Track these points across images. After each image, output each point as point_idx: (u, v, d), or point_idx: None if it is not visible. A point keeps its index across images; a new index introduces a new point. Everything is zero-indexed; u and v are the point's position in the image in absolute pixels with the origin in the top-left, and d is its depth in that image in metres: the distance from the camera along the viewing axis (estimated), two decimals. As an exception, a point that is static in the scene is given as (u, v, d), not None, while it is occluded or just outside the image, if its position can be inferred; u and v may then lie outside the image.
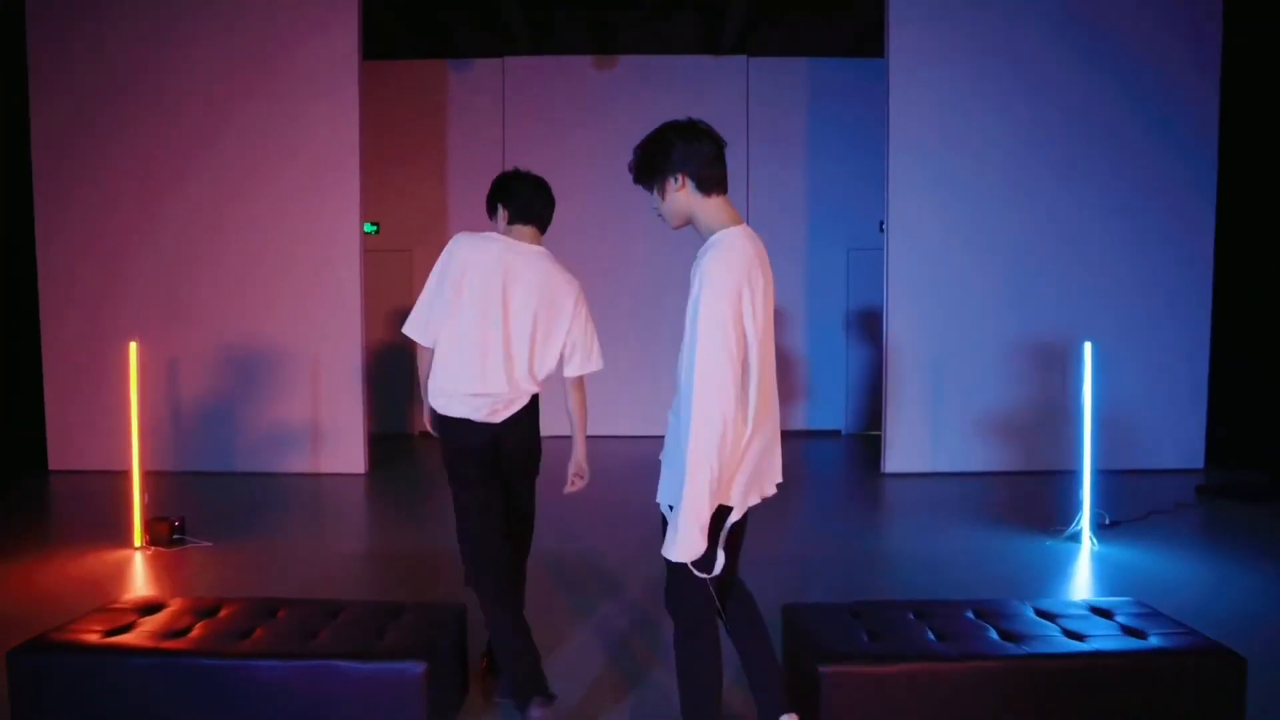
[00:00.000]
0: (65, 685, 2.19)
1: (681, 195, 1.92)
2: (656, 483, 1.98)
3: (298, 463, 6.38)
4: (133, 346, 4.14)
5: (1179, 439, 6.44)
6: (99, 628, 2.37)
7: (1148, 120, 6.29)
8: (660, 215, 2.00)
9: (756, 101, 8.16)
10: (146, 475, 4.46)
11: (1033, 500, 5.51)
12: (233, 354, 6.38)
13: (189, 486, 5.91)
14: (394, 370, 7.90)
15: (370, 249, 7.37)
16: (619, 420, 7.83)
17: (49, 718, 2.18)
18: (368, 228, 7.88)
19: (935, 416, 6.36)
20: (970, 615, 2.46)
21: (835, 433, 8.43)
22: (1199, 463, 6.42)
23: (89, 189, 6.36)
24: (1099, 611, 2.51)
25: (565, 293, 2.48)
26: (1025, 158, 6.31)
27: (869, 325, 8.15)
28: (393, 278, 8.05)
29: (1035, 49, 6.27)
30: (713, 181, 1.92)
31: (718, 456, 1.75)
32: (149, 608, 2.55)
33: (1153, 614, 2.48)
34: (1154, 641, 2.26)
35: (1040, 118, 6.30)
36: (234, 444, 6.39)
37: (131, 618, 2.47)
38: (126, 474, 4.45)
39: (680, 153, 1.90)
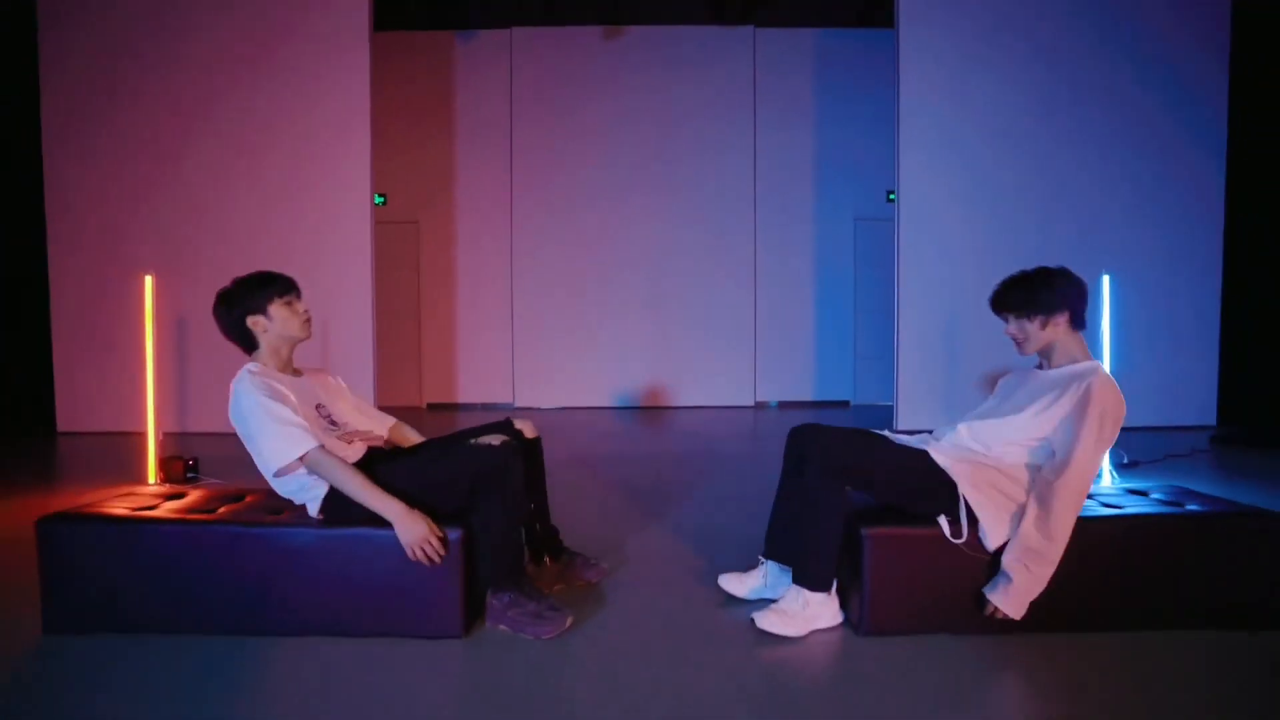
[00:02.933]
0: (93, 553, 2.16)
1: (1059, 328, 2.25)
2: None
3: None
4: (148, 280, 4.11)
5: (1191, 398, 6.43)
6: (126, 505, 2.34)
7: (1157, 89, 6.29)
8: (1018, 337, 2.32)
9: (764, 71, 8.17)
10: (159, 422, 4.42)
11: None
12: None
13: (197, 443, 5.87)
14: (402, 342, 7.89)
15: (376, 220, 7.37)
16: (630, 393, 7.80)
17: (77, 583, 2.15)
18: (375, 199, 7.89)
19: (947, 383, 6.34)
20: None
21: (844, 403, 8.40)
22: (1212, 420, 6.42)
23: (96, 155, 6.34)
24: (1134, 492, 2.49)
25: None
26: (1034, 127, 6.31)
27: (876, 295, 8.13)
28: (400, 250, 8.02)
29: (1044, 18, 6.28)
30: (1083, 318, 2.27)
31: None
32: (172, 496, 2.53)
33: (1189, 493, 2.46)
34: (1192, 508, 2.25)
35: (1049, 87, 6.30)
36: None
37: (155, 500, 2.45)
38: (136, 434, 4.40)
39: (1072, 292, 2.29)
